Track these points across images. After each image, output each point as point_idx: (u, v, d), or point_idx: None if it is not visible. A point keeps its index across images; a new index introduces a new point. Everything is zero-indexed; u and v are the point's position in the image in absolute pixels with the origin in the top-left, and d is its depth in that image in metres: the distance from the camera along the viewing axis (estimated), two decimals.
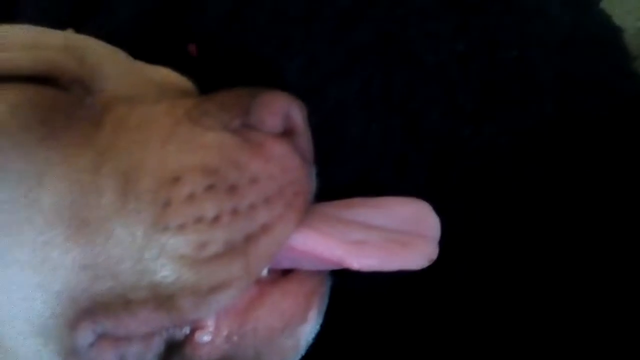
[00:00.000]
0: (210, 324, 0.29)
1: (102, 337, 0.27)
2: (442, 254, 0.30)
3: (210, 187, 0.27)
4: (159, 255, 0.27)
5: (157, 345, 0.28)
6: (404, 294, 0.32)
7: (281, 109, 0.30)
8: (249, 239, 0.27)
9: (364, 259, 0.29)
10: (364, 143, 0.35)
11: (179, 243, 0.27)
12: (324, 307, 0.31)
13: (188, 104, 0.30)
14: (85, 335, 0.27)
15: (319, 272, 0.31)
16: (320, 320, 0.31)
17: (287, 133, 0.30)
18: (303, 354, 0.31)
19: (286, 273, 0.31)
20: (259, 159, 0.28)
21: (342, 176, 0.34)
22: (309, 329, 0.30)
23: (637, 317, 0.34)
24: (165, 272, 0.27)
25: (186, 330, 0.28)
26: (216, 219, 0.27)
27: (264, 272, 0.30)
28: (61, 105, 0.29)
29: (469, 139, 0.32)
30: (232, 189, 0.27)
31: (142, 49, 0.39)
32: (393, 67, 0.34)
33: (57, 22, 0.47)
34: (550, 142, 0.37)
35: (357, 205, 0.32)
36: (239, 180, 0.28)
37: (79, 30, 0.44)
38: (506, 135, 0.33)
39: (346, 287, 0.31)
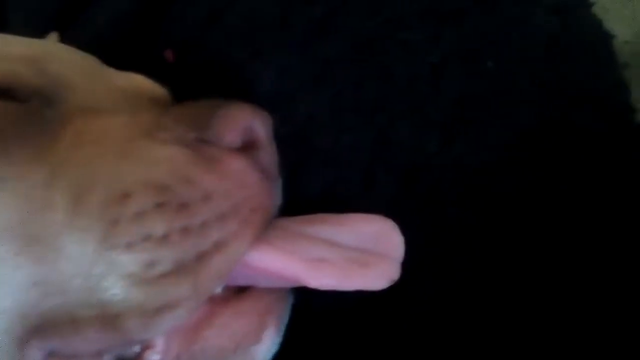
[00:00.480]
0: (159, 343, 0.28)
1: (51, 356, 0.27)
2: (408, 272, 0.29)
3: (160, 205, 0.27)
4: (107, 273, 0.26)
5: None
6: (369, 312, 0.32)
7: (241, 123, 0.29)
8: (200, 257, 0.27)
9: (322, 278, 0.29)
10: (334, 154, 0.34)
11: (127, 261, 0.26)
12: (282, 326, 0.31)
13: (149, 117, 0.30)
14: (34, 354, 0.27)
15: (277, 290, 0.31)
16: (278, 339, 0.30)
17: (248, 147, 0.29)
18: None
19: (244, 290, 0.31)
20: (213, 175, 0.27)
21: (310, 187, 0.34)
22: (263, 349, 0.30)
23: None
24: (113, 291, 0.26)
25: (136, 349, 0.28)
26: (165, 237, 0.26)
27: (218, 290, 0.29)
28: (16, 119, 0.28)
29: (437, 154, 0.31)
30: (183, 207, 0.27)
31: (119, 55, 0.38)
32: (365, 78, 0.33)
33: (44, 24, 0.47)
34: (531, 155, 0.36)
35: (320, 221, 0.31)
36: (191, 197, 0.27)
37: (63, 33, 0.44)
38: (479, 150, 0.32)
39: (310, 304, 0.31)
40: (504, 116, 0.33)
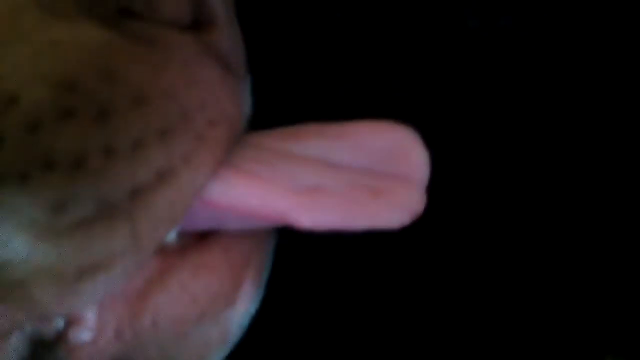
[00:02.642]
0: (89, 317, 0.20)
1: None
2: (431, 205, 0.21)
3: (66, 113, 0.18)
4: (0, 222, 0.18)
5: (17, 347, 0.20)
6: (376, 260, 0.24)
7: None
8: (137, 192, 0.18)
9: (318, 214, 0.20)
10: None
11: (24, 202, 0.17)
12: (261, 281, 0.22)
13: None
14: None
15: (252, 234, 0.22)
16: (257, 298, 0.22)
17: (199, 28, 0.20)
18: (236, 343, 0.23)
19: (207, 237, 0.22)
20: (146, 66, 0.18)
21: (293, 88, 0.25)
22: (238, 315, 0.22)
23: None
24: (9, 248, 0.18)
25: (57, 325, 0.20)
26: (79, 162, 0.17)
27: (170, 238, 0.21)
28: None
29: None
30: (104, 116, 0.18)
31: None
32: None
33: None
34: None
35: (311, 135, 0.22)
36: (115, 100, 0.18)
37: None
38: None
39: (297, 249, 0.23)
40: None
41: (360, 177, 0.21)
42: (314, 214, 0.20)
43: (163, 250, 0.22)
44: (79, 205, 0.17)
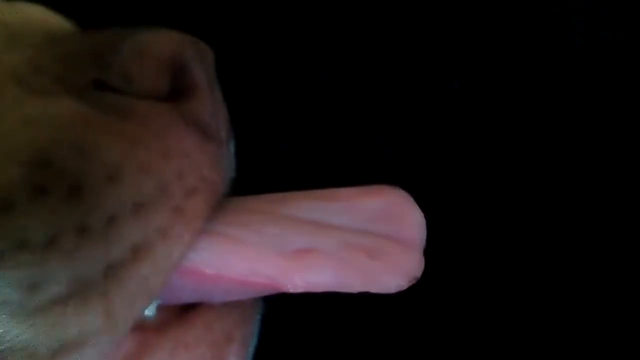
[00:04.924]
0: None
1: None
2: (431, 266, 0.20)
3: (39, 191, 0.16)
4: None
5: None
6: (370, 332, 0.22)
7: (165, 57, 0.19)
8: (110, 270, 0.17)
9: (311, 275, 0.19)
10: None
11: None
12: (248, 355, 0.21)
13: (20, 56, 0.20)
14: None
15: (237, 305, 0.21)
16: None
17: (178, 94, 0.19)
18: None
19: (187, 311, 0.20)
20: (121, 140, 0.17)
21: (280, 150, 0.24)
22: None
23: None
24: None
25: None
26: (51, 242, 0.16)
27: (148, 313, 0.19)
28: None
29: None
30: (76, 193, 0.17)
31: None
32: None
33: None
34: None
35: (299, 197, 0.21)
36: (88, 176, 0.17)
37: None
38: None
39: (289, 317, 0.21)
40: None
41: (355, 238, 0.20)
42: (307, 277, 0.19)
43: (142, 326, 0.20)
44: (52, 284, 0.16)
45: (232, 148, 0.22)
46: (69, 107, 0.17)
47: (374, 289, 0.19)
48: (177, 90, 0.20)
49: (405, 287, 0.19)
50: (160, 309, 0.20)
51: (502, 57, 0.24)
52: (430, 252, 0.20)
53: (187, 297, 0.20)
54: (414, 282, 0.19)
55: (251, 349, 0.21)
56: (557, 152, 0.25)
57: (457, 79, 0.23)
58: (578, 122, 0.25)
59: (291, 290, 0.19)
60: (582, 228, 0.25)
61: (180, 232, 0.18)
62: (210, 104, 0.20)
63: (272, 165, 0.25)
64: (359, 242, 0.20)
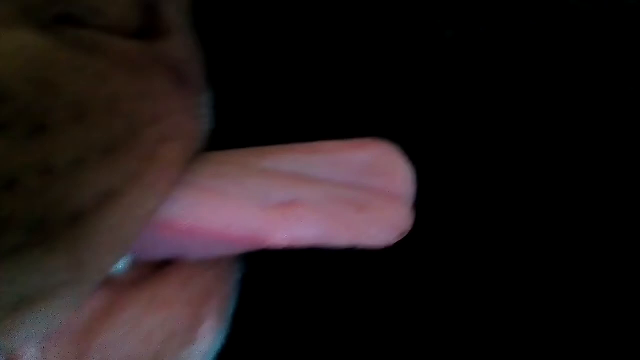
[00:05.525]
0: (31, 354, 0.17)
1: None
2: (419, 223, 0.19)
3: None
4: None
5: None
6: (365, 283, 0.21)
7: None
8: (76, 217, 0.16)
9: (296, 229, 0.18)
10: None
11: None
12: (226, 316, 0.20)
13: None
14: None
15: (215, 263, 0.20)
16: (222, 333, 0.19)
17: (150, 34, 0.18)
18: None
19: (163, 268, 0.19)
20: (89, 77, 0.16)
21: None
22: (200, 353, 0.18)
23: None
24: None
25: None
26: (10, 182, 0.15)
27: (121, 268, 0.18)
28: None
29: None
30: (39, 130, 0.15)
31: None
32: None
33: None
34: None
35: (283, 151, 0.20)
36: (53, 113, 0.15)
37: None
38: None
39: (270, 276, 0.20)
40: None
41: (341, 191, 0.19)
42: (292, 230, 0.18)
43: (113, 282, 0.19)
44: (12, 230, 0.15)
45: (208, 99, 0.21)
46: (31, 40, 0.16)
47: (362, 243, 0.18)
48: (148, 30, 0.18)
49: (393, 242, 0.19)
50: (134, 265, 0.19)
51: (496, 4, 0.23)
52: (420, 207, 0.19)
53: (162, 253, 0.19)
54: (402, 236, 0.19)
55: (230, 310, 0.20)
56: (555, 103, 0.24)
57: (451, 27, 0.22)
58: (573, 74, 0.24)
59: (274, 245, 0.18)
60: (573, 190, 0.25)
61: (153, 179, 0.17)
62: (183, 47, 0.19)
63: (252, 121, 0.24)
64: (346, 195, 0.19)
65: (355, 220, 0.18)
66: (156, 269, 0.20)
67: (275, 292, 0.22)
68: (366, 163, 0.20)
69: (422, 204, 0.19)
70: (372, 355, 0.22)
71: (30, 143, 0.15)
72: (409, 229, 0.19)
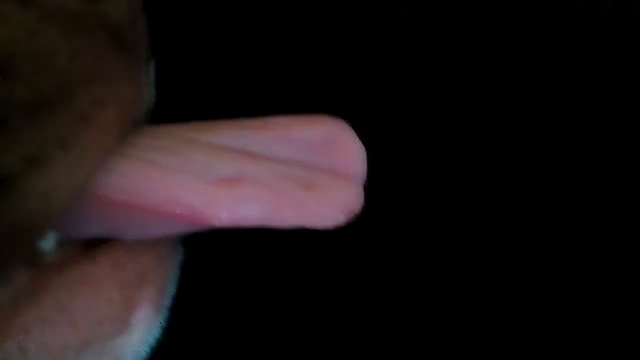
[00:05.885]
0: None
1: None
2: (372, 201, 0.18)
3: None
4: None
5: None
6: (311, 267, 0.20)
7: None
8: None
9: (240, 207, 0.17)
10: None
11: None
12: (164, 302, 0.18)
13: None
14: None
15: (152, 245, 0.18)
16: (158, 323, 0.18)
17: None
18: None
19: (92, 249, 0.18)
20: (16, 28, 0.15)
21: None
22: (134, 342, 0.17)
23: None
24: None
25: None
26: None
27: (46, 247, 0.17)
28: None
29: None
30: None
31: None
32: None
33: None
34: None
35: (228, 126, 0.19)
36: None
37: None
38: None
39: (212, 260, 0.19)
40: None
41: (289, 169, 0.18)
42: (235, 208, 0.17)
43: (36, 262, 0.17)
44: None
45: (151, 71, 0.19)
46: None
47: (310, 223, 0.17)
48: None
49: (343, 223, 0.18)
50: (61, 243, 0.17)
51: None
52: (371, 187, 0.18)
53: (93, 230, 0.17)
54: (352, 217, 0.18)
55: (169, 296, 0.19)
56: (501, 76, 0.24)
57: (407, 3, 0.21)
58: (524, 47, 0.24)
59: (216, 224, 0.17)
60: (550, 168, 0.24)
61: (85, 146, 0.15)
62: (127, 10, 0.18)
63: (197, 95, 0.22)
64: (293, 172, 0.18)
65: (303, 199, 0.17)
66: (86, 248, 0.18)
67: (217, 277, 0.21)
68: (316, 140, 0.19)
69: (373, 183, 0.18)
70: (314, 344, 0.21)
71: None
72: (360, 209, 0.18)
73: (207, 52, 0.24)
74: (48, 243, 0.17)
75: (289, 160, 0.18)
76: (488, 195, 0.22)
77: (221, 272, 0.21)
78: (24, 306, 0.16)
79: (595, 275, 0.23)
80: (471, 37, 0.23)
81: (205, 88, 0.23)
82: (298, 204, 0.17)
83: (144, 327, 0.18)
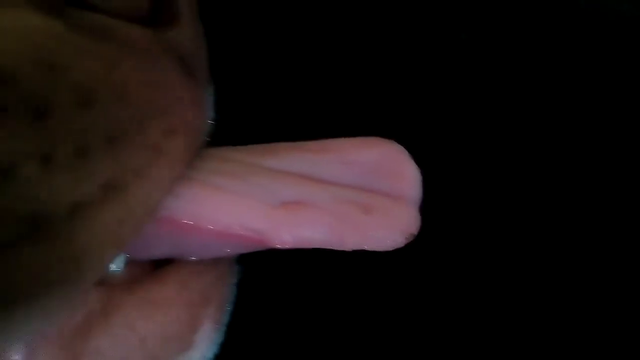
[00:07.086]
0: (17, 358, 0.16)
1: None
2: (426, 226, 0.19)
3: None
4: None
5: None
6: (363, 290, 0.20)
7: None
8: (76, 209, 0.15)
9: (302, 229, 0.17)
10: None
11: None
12: (223, 319, 0.19)
13: None
14: None
15: (214, 265, 0.19)
16: (217, 341, 0.19)
17: (160, 22, 0.18)
18: None
19: (159, 269, 0.19)
20: (97, 62, 0.15)
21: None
22: (197, 356, 0.18)
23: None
24: None
25: None
26: (7, 170, 0.14)
27: (117, 268, 0.18)
28: None
29: None
30: (41, 115, 0.14)
31: None
32: None
33: None
34: None
35: (288, 149, 0.20)
36: (56, 98, 0.15)
37: None
38: None
39: (269, 279, 0.19)
40: None
41: (347, 192, 0.18)
42: (297, 231, 0.17)
43: (108, 283, 0.18)
44: (7, 222, 0.14)
45: (211, 93, 0.20)
46: (39, 22, 0.15)
47: (369, 245, 0.18)
48: (158, 18, 0.18)
49: (401, 244, 0.18)
50: (129, 264, 0.18)
51: (509, 8, 0.23)
52: (428, 209, 0.18)
53: (160, 251, 0.18)
54: (410, 239, 0.18)
55: (227, 314, 0.20)
56: (567, 104, 0.24)
57: (464, 30, 0.22)
58: (586, 79, 0.24)
59: (278, 246, 0.17)
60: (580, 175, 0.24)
61: (157, 174, 0.16)
62: (192, 39, 0.19)
63: (254, 118, 0.23)
64: (352, 196, 0.18)
65: (363, 222, 0.18)
66: (152, 269, 0.19)
67: (274, 296, 0.21)
68: (373, 163, 0.19)
69: (429, 206, 0.19)
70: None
71: (31, 129, 0.14)
72: (417, 231, 0.18)
73: (260, 75, 0.24)
74: (117, 264, 0.18)
75: (346, 184, 0.19)
76: (541, 215, 0.23)
77: (276, 290, 0.21)
78: (97, 326, 0.17)
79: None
80: (527, 64, 0.23)
81: (258, 109, 0.24)
82: (358, 227, 0.17)
83: (206, 344, 0.18)
